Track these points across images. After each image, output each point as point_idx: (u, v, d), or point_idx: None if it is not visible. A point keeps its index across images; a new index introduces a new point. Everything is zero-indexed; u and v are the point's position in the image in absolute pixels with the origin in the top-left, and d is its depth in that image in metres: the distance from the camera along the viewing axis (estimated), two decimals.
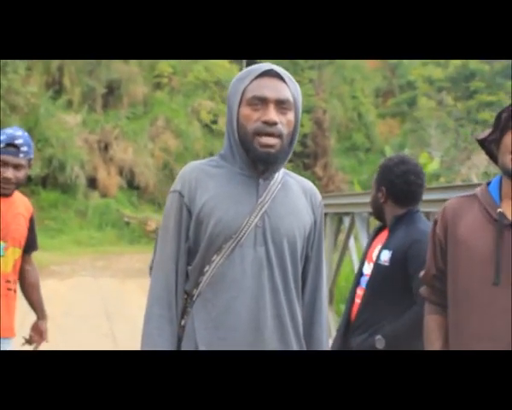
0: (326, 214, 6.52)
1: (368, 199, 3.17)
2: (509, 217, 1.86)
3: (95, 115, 21.26)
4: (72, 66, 20.78)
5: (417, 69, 28.33)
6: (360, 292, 2.82)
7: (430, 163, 16.98)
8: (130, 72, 21.85)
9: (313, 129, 24.24)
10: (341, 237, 6.81)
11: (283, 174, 1.96)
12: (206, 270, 1.86)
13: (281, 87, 1.85)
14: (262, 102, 1.83)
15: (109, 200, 19.93)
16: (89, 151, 20.32)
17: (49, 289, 10.52)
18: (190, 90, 23.03)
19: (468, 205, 1.96)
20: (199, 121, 22.18)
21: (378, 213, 2.92)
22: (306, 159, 24.12)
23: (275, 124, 1.82)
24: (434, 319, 2.02)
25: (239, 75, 1.92)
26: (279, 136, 1.83)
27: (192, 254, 1.89)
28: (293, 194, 1.95)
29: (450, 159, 18.97)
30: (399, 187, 2.76)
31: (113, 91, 21.86)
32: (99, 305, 9.02)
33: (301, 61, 25.28)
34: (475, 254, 1.86)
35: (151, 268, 3.82)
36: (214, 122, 21.91)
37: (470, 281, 1.86)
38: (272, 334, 1.85)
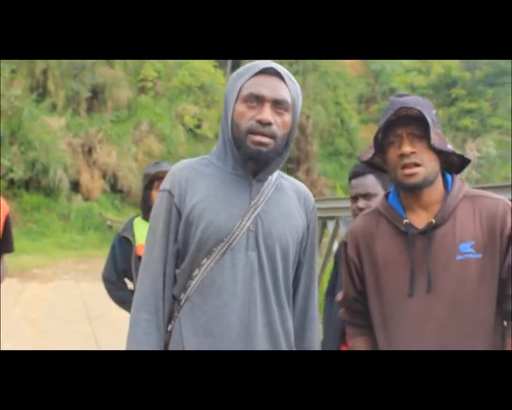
0: None
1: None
2: (417, 225, 1.81)
3: (79, 119, 21.23)
4: (56, 69, 20.75)
5: (400, 76, 28.62)
6: None
7: None
8: (114, 76, 21.86)
9: (296, 134, 24.33)
10: (325, 241, 6.83)
11: (277, 176, 1.88)
12: (195, 274, 1.77)
13: (279, 87, 1.76)
14: (258, 100, 1.73)
15: (92, 203, 19.88)
16: (72, 155, 20.27)
17: (30, 292, 10.56)
18: (174, 94, 23.06)
19: (374, 222, 1.90)
20: (183, 126, 22.19)
21: None
22: (289, 164, 24.21)
23: (269, 124, 1.72)
24: (362, 340, 1.95)
25: (238, 71, 1.82)
26: (272, 136, 1.73)
27: (181, 257, 1.80)
28: (287, 197, 1.86)
29: None
30: None
31: (97, 95, 21.83)
32: (81, 308, 8.98)
33: (285, 67, 25.44)
34: (395, 271, 1.81)
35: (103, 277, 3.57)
36: (198, 127, 21.91)
37: (395, 298, 1.81)
38: (263, 341, 1.77)
